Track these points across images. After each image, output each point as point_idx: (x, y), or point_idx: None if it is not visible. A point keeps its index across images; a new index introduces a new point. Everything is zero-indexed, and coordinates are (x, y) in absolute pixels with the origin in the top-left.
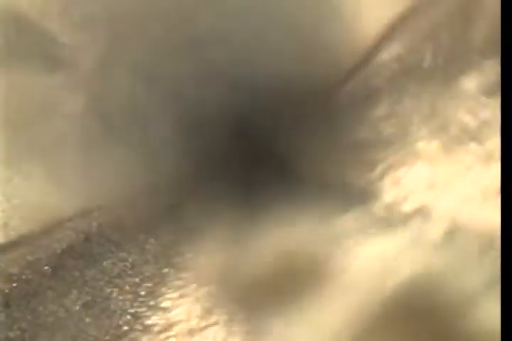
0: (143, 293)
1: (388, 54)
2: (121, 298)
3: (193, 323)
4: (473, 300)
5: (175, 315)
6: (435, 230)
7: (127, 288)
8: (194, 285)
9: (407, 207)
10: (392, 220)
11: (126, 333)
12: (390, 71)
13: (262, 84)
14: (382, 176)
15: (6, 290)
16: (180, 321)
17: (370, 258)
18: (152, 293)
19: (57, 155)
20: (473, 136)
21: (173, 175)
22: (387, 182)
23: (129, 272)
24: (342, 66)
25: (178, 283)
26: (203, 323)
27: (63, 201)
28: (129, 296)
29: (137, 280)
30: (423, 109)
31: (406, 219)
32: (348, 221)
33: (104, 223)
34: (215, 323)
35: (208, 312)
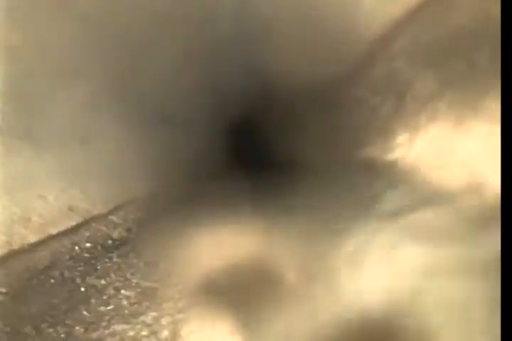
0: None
1: (395, 49)
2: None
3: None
4: None
5: None
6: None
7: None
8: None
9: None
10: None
11: None
12: (396, 65)
13: (260, 80)
14: (389, 181)
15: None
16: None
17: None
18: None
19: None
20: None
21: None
22: (392, 188)
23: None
24: (348, 61)
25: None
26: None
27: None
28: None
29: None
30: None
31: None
32: (352, 229)
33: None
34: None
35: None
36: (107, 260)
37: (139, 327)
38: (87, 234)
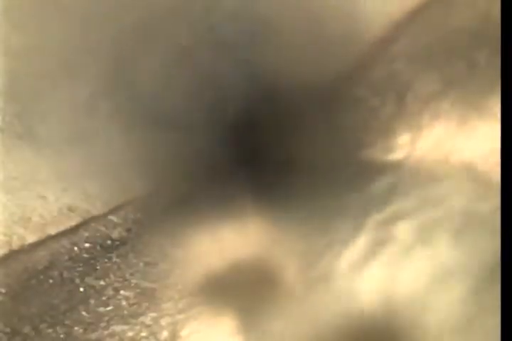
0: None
1: (395, 50)
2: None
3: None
4: None
5: None
6: None
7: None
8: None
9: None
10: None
11: None
12: (397, 67)
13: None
14: (391, 181)
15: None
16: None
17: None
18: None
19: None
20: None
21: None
22: (394, 188)
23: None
24: (348, 62)
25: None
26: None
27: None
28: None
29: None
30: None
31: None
32: (352, 230)
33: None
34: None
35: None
36: (106, 260)
37: (138, 327)
38: (86, 234)
